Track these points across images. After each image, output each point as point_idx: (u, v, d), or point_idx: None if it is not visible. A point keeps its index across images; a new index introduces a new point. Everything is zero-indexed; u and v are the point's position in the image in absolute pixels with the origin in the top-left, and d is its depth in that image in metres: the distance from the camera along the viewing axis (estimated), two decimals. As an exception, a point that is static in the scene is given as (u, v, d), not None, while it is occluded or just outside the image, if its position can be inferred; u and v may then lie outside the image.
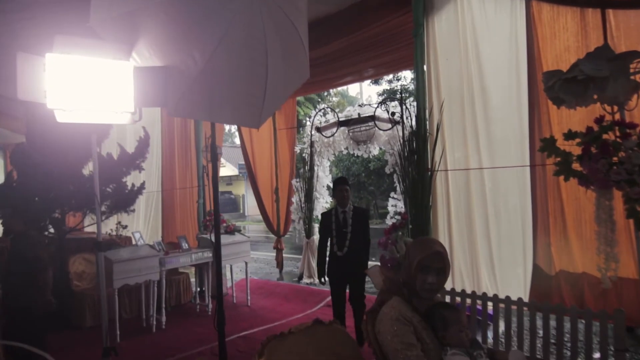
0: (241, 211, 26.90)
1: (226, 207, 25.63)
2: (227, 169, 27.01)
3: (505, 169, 3.99)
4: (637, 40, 3.22)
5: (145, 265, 5.26)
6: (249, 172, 8.03)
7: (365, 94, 30.86)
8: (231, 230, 6.32)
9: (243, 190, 26.09)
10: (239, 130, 7.90)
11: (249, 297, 6.24)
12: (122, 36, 2.44)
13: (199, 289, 6.56)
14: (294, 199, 7.63)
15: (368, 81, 20.88)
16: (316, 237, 7.58)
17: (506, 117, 3.99)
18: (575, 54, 3.49)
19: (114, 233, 7.12)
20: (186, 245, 5.82)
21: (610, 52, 2.79)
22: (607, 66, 2.76)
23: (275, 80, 2.31)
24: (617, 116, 2.96)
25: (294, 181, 7.67)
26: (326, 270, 4.35)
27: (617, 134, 2.89)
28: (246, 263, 6.31)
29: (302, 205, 7.43)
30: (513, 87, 3.91)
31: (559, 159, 3.07)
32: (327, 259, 4.35)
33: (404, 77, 18.60)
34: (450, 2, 4.25)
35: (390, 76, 18.74)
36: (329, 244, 4.36)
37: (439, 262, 1.77)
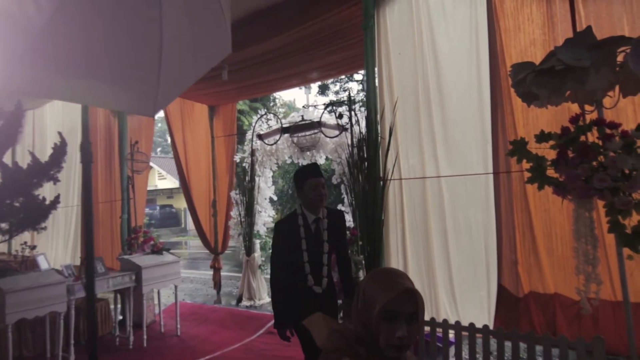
0: (182, 225, 25.74)
1: (167, 221, 24.79)
2: (167, 182, 25.94)
3: (465, 177, 3.55)
4: (609, 32, 2.86)
5: (49, 295, 4.40)
6: (183, 183, 7.27)
7: (311, 104, 30.69)
8: (159, 250, 5.54)
9: (184, 203, 25.00)
10: (171, 136, 7.11)
11: (178, 326, 5.46)
12: None
13: (120, 318, 5.69)
14: (233, 213, 6.92)
15: (315, 91, 20.65)
16: (257, 254, 6.91)
17: (466, 119, 3.56)
18: (542, 47, 3.12)
19: (20, 254, 6.13)
20: (102, 268, 4.97)
21: (592, 38, 2.40)
22: (588, 55, 2.36)
23: (176, 48, 1.61)
24: (594, 115, 2.59)
25: (232, 193, 6.97)
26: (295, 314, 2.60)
27: (596, 134, 2.52)
28: (176, 287, 5.55)
29: (242, 220, 6.74)
30: (474, 85, 3.49)
31: (531, 164, 2.65)
32: (294, 296, 2.68)
33: (351, 88, 18.52)
34: (403, -9, 3.82)
35: (337, 87, 18.57)
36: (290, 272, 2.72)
37: (411, 305, 1.18)
